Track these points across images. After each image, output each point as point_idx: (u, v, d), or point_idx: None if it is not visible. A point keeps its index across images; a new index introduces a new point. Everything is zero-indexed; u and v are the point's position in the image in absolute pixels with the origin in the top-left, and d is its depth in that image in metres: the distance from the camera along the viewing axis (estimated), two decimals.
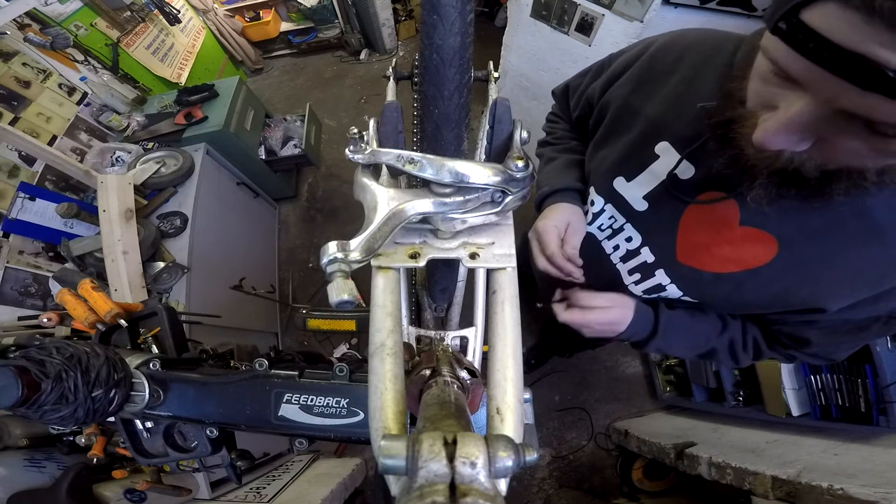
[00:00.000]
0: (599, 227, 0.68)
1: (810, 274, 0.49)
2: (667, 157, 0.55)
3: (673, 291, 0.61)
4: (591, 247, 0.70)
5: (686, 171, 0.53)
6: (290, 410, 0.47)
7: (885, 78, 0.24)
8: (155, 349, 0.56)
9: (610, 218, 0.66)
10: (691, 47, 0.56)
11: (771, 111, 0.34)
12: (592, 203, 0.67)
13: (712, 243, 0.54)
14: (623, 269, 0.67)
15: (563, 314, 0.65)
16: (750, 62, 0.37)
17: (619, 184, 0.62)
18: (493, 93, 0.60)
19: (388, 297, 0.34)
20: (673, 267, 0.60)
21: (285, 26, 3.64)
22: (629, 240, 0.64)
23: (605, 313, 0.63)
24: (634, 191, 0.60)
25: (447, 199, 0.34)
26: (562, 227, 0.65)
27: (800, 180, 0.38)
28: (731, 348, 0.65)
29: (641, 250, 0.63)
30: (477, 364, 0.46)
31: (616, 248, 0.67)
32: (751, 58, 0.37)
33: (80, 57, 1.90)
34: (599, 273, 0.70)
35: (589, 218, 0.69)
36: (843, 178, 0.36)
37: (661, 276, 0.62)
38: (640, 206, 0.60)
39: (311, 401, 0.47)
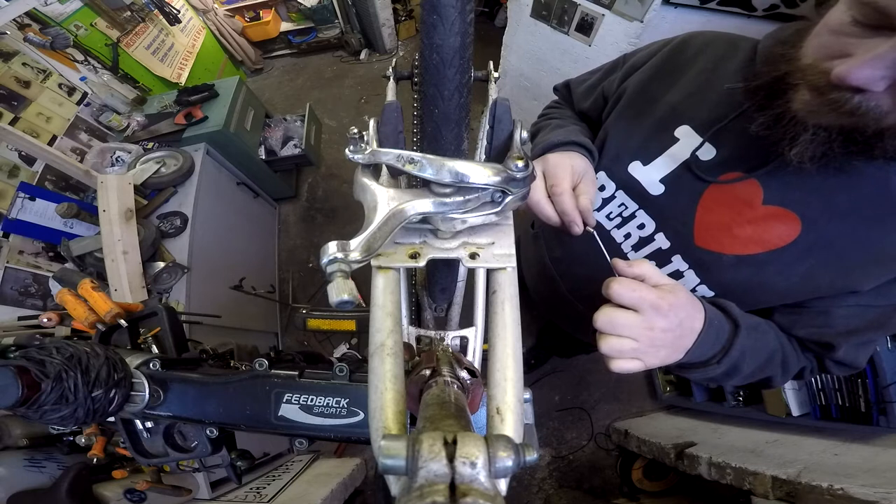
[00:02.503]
0: (608, 216, 0.67)
1: (835, 253, 0.48)
2: (687, 139, 0.56)
3: (691, 278, 0.59)
4: (599, 235, 0.69)
5: (707, 152, 0.54)
6: (290, 410, 0.47)
7: None
8: (155, 349, 0.56)
9: (620, 205, 0.64)
10: (710, 44, 0.59)
11: (841, 59, 0.36)
12: (603, 188, 0.66)
13: (733, 224, 0.53)
14: (635, 257, 0.65)
15: (616, 286, 0.43)
16: (803, 30, 0.42)
17: (635, 168, 0.61)
18: (493, 93, 0.60)
19: (388, 297, 0.34)
20: (690, 252, 0.58)
21: (285, 26, 3.63)
22: (641, 227, 0.62)
23: (675, 293, 0.43)
24: (651, 174, 0.60)
25: (447, 199, 0.34)
26: (578, 170, 0.56)
27: (849, 136, 0.39)
28: (783, 351, 0.55)
29: (656, 237, 0.61)
30: (477, 364, 0.46)
31: (627, 236, 0.65)
32: (804, 27, 0.42)
33: (80, 57, 1.91)
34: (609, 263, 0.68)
35: (598, 203, 0.66)
36: (893, 137, 0.37)
37: (678, 262, 0.60)
38: (656, 189, 0.60)
39: (311, 401, 0.47)
